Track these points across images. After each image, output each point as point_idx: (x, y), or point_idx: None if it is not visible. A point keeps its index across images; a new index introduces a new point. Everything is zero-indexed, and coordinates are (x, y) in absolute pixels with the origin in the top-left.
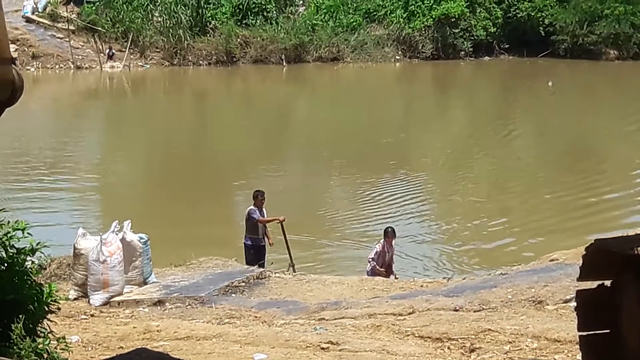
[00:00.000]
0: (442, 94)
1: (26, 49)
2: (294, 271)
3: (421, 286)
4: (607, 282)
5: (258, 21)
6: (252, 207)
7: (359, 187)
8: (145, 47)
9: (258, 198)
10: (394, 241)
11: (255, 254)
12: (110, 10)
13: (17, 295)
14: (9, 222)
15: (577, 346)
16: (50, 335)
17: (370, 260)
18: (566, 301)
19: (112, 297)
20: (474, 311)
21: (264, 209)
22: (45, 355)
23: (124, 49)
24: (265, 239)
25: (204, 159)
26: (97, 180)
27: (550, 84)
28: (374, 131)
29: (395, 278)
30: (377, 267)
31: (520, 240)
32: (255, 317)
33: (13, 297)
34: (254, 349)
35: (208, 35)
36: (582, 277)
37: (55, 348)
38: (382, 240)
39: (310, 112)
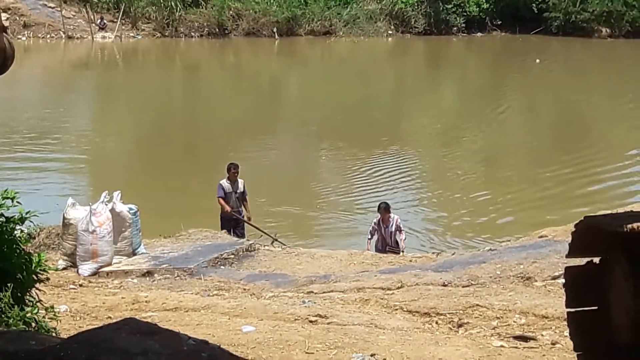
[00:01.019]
0: (434, 69)
1: (17, 18)
2: (283, 244)
3: (410, 261)
4: (596, 259)
5: None
6: (223, 180)
7: (349, 162)
8: (137, 17)
9: (231, 171)
10: (392, 216)
11: (224, 225)
12: None
13: (6, 264)
14: None
15: (565, 323)
16: (38, 304)
17: (368, 240)
18: (554, 278)
19: (101, 267)
20: (463, 286)
21: (239, 181)
22: (34, 324)
23: (115, 20)
24: (243, 211)
25: (195, 130)
26: (87, 151)
27: (537, 61)
28: (365, 106)
29: (401, 252)
30: (373, 242)
31: (509, 217)
32: (244, 289)
33: (1, 265)
34: (242, 320)
35: (200, 7)
36: (570, 254)
37: (44, 317)
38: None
39: (302, 86)
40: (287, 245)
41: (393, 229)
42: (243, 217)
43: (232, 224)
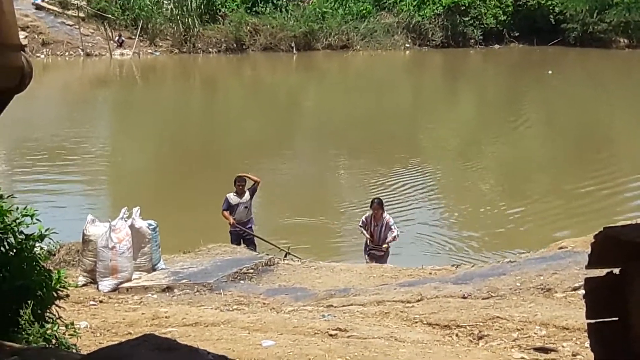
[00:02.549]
0: (452, 82)
1: (36, 36)
2: (296, 257)
3: (430, 273)
4: (616, 270)
5: (268, 9)
6: (230, 193)
7: (368, 176)
8: (155, 34)
9: (236, 184)
10: (385, 215)
11: (232, 239)
12: None
13: (26, 281)
14: (17, 208)
15: (586, 334)
16: (58, 320)
17: (359, 228)
18: (575, 289)
19: (121, 283)
20: (482, 299)
21: (247, 193)
22: (54, 341)
23: (133, 37)
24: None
25: (214, 146)
26: (107, 168)
27: (549, 72)
28: (383, 119)
29: (384, 250)
30: (364, 231)
31: (529, 228)
32: (264, 303)
33: (22, 282)
34: (262, 335)
35: (218, 22)
36: (590, 265)
37: (64, 334)
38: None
39: (320, 100)
40: (300, 258)
41: (383, 229)
42: (250, 229)
43: (239, 236)
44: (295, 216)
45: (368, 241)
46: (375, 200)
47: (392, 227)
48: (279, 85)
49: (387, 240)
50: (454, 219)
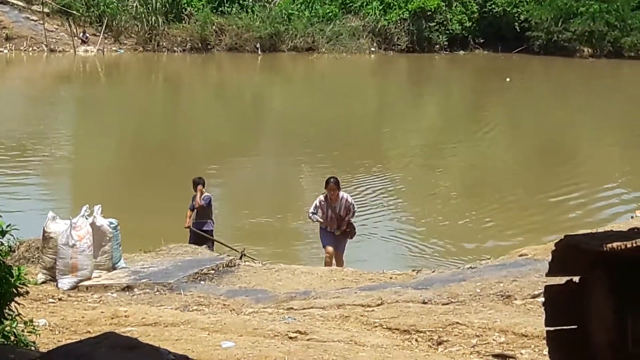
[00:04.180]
0: (417, 87)
1: (0, 31)
2: (251, 258)
3: (390, 278)
4: (576, 278)
5: (234, 9)
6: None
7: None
8: (119, 32)
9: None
10: (342, 194)
11: (190, 238)
12: None
13: None
14: None
15: (544, 341)
16: (17, 318)
17: (310, 214)
18: (534, 296)
19: (81, 281)
20: (443, 304)
21: (196, 195)
22: (12, 338)
23: (98, 34)
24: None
25: (176, 146)
26: (68, 165)
27: (508, 79)
28: (347, 123)
29: (348, 233)
30: (317, 217)
31: (490, 235)
32: (224, 305)
33: None
34: (221, 336)
35: (183, 21)
36: (550, 273)
37: (23, 331)
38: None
39: (284, 102)
40: (254, 259)
41: (342, 210)
42: (206, 231)
43: (195, 236)
44: (256, 217)
45: (326, 226)
46: (331, 180)
47: (351, 206)
48: (243, 86)
49: (346, 219)
50: (415, 224)
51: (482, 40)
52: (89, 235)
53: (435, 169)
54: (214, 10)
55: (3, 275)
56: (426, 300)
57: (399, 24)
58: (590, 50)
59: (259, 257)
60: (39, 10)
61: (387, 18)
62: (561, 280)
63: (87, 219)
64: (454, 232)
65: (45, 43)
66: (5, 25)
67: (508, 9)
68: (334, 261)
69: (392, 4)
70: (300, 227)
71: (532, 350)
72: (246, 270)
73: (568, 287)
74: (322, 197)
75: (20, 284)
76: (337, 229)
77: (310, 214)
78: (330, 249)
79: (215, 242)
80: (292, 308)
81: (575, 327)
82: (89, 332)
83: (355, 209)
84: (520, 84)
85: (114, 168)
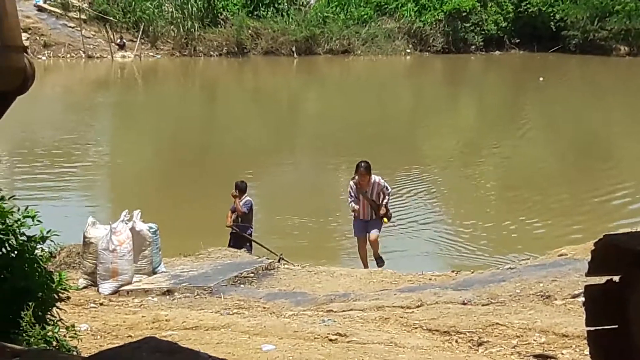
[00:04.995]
0: (452, 87)
1: (38, 38)
2: (288, 262)
3: (430, 279)
4: (616, 278)
5: (269, 13)
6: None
7: None
8: (156, 37)
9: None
10: (373, 177)
11: (230, 242)
12: (121, 0)
13: (27, 283)
14: (19, 209)
15: (585, 341)
16: (59, 323)
17: (349, 202)
18: (574, 296)
19: (121, 286)
20: (482, 305)
21: (237, 201)
22: (55, 343)
23: (135, 39)
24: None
25: (215, 149)
26: (108, 170)
27: (540, 79)
28: (384, 125)
29: (384, 218)
30: (354, 205)
31: (530, 235)
32: (264, 308)
33: (23, 284)
34: (262, 339)
35: (219, 26)
36: (590, 272)
37: (65, 336)
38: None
39: (321, 105)
40: (293, 264)
41: (375, 196)
42: (249, 234)
43: (234, 239)
44: (294, 220)
45: (361, 214)
46: (362, 164)
47: (384, 189)
48: (280, 90)
49: (383, 203)
50: (454, 225)
51: (517, 40)
52: (129, 240)
53: (474, 170)
54: (250, 14)
55: (44, 281)
56: (466, 301)
57: (434, 25)
58: (627, 48)
59: (297, 260)
60: (76, 17)
61: (422, 19)
62: (601, 280)
63: (126, 223)
64: (493, 233)
65: (82, 49)
66: (43, 32)
67: (543, 9)
68: (369, 247)
69: (427, 5)
70: (338, 229)
71: (573, 350)
72: (285, 273)
73: (608, 287)
74: (352, 183)
75: (61, 289)
76: (376, 216)
77: (349, 202)
78: (361, 238)
79: (253, 246)
80: (331, 310)
81: (616, 326)
82: (131, 336)
83: (390, 189)
84: (556, 83)
85: (153, 173)
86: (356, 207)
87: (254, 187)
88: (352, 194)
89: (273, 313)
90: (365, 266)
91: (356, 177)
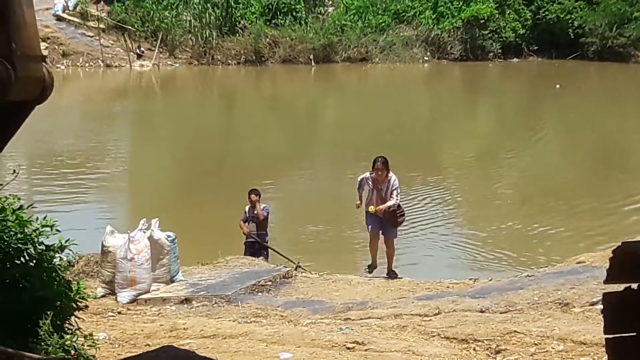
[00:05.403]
0: (471, 95)
1: (56, 47)
2: (304, 269)
3: (447, 287)
4: (634, 285)
5: (287, 21)
6: (248, 205)
7: None
8: (174, 46)
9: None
10: (391, 175)
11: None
12: (140, 9)
13: (46, 292)
14: (37, 218)
15: (603, 349)
16: (77, 332)
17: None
18: (593, 304)
19: (140, 294)
20: (500, 313)
21: (257, 205)
22: (73, 352)
23: (153, 48)
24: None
25: (233, 158)
26: (125, 179)
27: (557, 86)
28: (403, 132)
29: (396, 221)
30: (359, 194)
31: (547, 243)
32: (282, 316)
33: (42, 293)
34: (279, 348)
35: (237, 34)
36: (608, 280)
37: (83, 345)
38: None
39: (339, 113)
40: (310, 272)
41: (387, 194)
42: (265, 241)
43: (251, 248)
44: (311, 228)
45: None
46: (379, 159)
47: (396, 190)
48: (297, 98)
49: (388, 204)
50: (472, 233)
51: (536, 48)
52: (147, 249)
53: (491, 177)
54: (268, 23)
55: (63, 290)
56: (484, 309)
57: (452, 33)
58: None
59: (315, 269)
60: (94, 26)
61: (440, 27)
62: (619, 287)
63: (144, 232)
64: (511, 240)
65: (101, 58)
66: (61, 41)
67: (561, 16)
68: (383, 246)
69: (445, 13)
70: (355, 237)
71: (591, 358)
72: (303, 281)
73: (626, 294)
74: (367, 174)
75: (79, 298)
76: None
77: (359, 192)
78: (374, 230)
79: (269, 254)
80: (349, 318)
81: (635, 334)
82: (149, 345)
83: (399, 188)
84: (575, 90)
85: (170, 182)
86: (359, 198)
87: (272, 196)
88: (360, 184)
89: (291, 321)
90: (374, 261)
91: (367, 173)
